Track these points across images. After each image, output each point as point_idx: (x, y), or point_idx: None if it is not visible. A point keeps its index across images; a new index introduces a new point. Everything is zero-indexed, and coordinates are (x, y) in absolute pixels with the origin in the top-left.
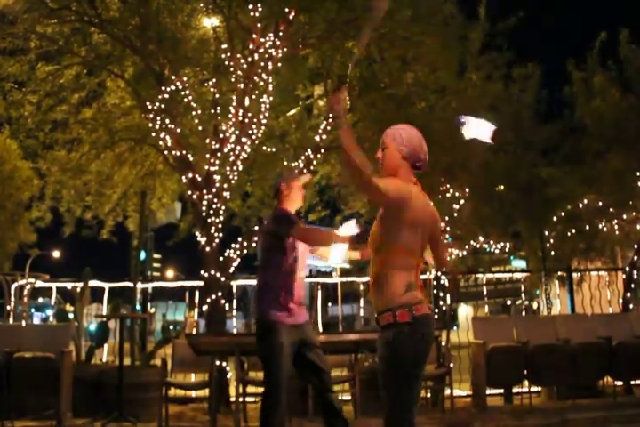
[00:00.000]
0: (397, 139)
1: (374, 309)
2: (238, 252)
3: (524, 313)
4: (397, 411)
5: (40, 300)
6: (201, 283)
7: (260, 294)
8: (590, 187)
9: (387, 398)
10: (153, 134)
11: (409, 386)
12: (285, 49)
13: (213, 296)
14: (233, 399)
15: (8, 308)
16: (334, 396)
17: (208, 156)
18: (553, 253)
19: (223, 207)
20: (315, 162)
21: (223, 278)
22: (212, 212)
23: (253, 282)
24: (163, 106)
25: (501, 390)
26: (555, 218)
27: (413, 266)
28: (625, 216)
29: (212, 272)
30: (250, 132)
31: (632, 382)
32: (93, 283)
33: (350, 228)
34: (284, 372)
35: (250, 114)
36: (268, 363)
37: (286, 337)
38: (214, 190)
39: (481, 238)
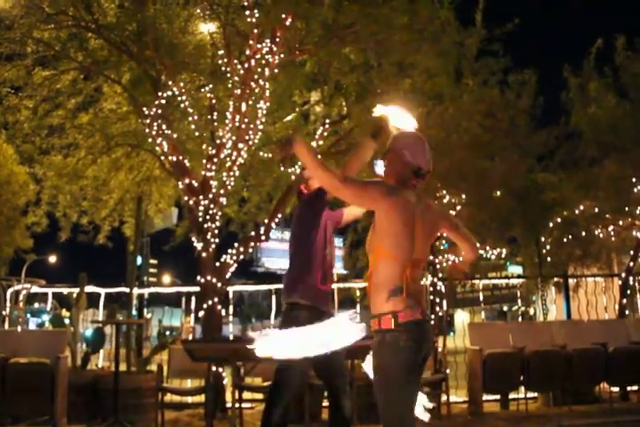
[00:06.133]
0: (401, 143)
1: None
2: (234, 257)
3: (520, 319)
4: (391, 419)
5: (36, 305)
6: (197, 288)
7: (291, 280)
8: (586, 193)
9: (379, 407)
10: (149, 140)
11: (398, 393)
12: (282, 55)
13: (210, 302)
14: (229, 405)
15: (4, 313)
16: (347, 402)
17: (204, 161)
18: (549, 259)
19: (219, 213)
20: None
21: (219, 284)
22: (208, 217)
23: (249, 288)
24: (159, 111)
25: (498, 397)
26: (551, 224)
27: (401, 271)
28: (621, 222)
29: (209, 278)
30: (246, 137)
31: (628, 389)
32: (89, 288)
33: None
34: (296, 376)
35: (246, 120)
36: (283, 362)
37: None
38: (211, 196)
39: (477, 244)
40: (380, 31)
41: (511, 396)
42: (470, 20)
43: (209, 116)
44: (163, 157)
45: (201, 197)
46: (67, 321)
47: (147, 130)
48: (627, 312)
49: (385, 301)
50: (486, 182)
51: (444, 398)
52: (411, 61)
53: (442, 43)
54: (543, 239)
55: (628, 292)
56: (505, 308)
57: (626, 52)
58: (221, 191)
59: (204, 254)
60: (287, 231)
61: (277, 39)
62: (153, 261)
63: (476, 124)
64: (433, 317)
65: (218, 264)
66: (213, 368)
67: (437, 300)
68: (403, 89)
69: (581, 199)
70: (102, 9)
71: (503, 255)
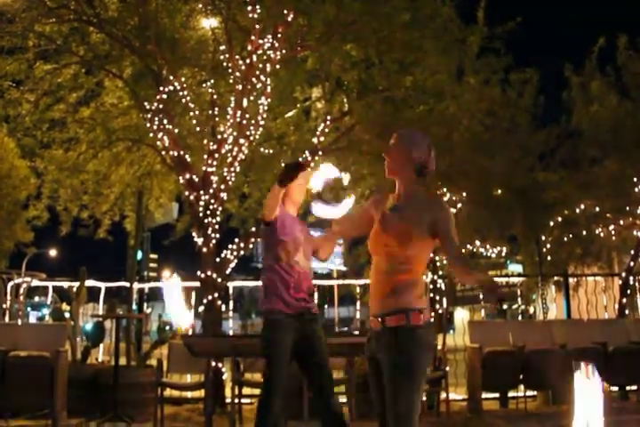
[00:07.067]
0: (407, 139)
1: (379, 308)
2: (235, 253)
3: (520, 317)
4: (410, 413)
5: (36, 299)
6: (197, 284)
7: (263, 290)
8: (587, 192)
9: (400, 401)
10: (150, 134)
11: (421, 390)
12: (284, 51)
13: (210, 297)
14: (228, 400)
15: (4, 306)
16: (333, 398)
17: (205, 156)
18: (549, 257)
19: (220, 208)
20: (312, 164)
21: (220, 279)
22: (208, 213)
23: (250, 283)
24: (160, 106)
25: (497, 395)
26: (551, 223)
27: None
28: (622, 222)
29: (209, 273)
30: (247, 133)
31: (627, 388)
32: (90, 282)
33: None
34: (281, 370)
35: (248, 115)
36: (265, 360)
37: (286, 334)
38: (211, 191)
39: (477, 242)
40: (382, 28)
41: (510, 394)
42: (472, 18)
43: (210, 112)
44: (164, 152)
45: (202, 192)
46: (67, 315)
47: (148, 124)
48: (627, 312)
49: (419, 297)
50: (487, 181)
51: (443, 395)
52: (412, 59)
53: (443, 40)
54: (543, 238)
55: (629, 291)
56: (505, 306)
57: (628, 51)
58: (222, 187)
59: (204, 250)
60: None
61: (279, 35)
62: (153, 256)
63: (477, 122)
64: (433, 314)
65: (218, 260)
66: (213, 363)
67: (437, 297)
68: (404, 86)
69: (582, 198)
70: (104, 3)
71: (503, 254)
